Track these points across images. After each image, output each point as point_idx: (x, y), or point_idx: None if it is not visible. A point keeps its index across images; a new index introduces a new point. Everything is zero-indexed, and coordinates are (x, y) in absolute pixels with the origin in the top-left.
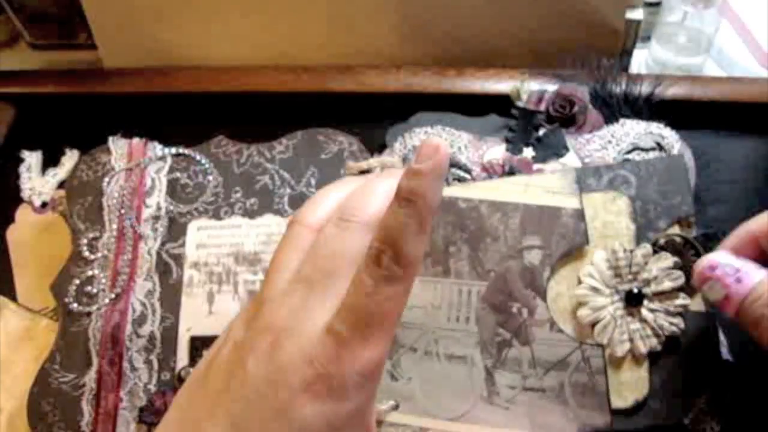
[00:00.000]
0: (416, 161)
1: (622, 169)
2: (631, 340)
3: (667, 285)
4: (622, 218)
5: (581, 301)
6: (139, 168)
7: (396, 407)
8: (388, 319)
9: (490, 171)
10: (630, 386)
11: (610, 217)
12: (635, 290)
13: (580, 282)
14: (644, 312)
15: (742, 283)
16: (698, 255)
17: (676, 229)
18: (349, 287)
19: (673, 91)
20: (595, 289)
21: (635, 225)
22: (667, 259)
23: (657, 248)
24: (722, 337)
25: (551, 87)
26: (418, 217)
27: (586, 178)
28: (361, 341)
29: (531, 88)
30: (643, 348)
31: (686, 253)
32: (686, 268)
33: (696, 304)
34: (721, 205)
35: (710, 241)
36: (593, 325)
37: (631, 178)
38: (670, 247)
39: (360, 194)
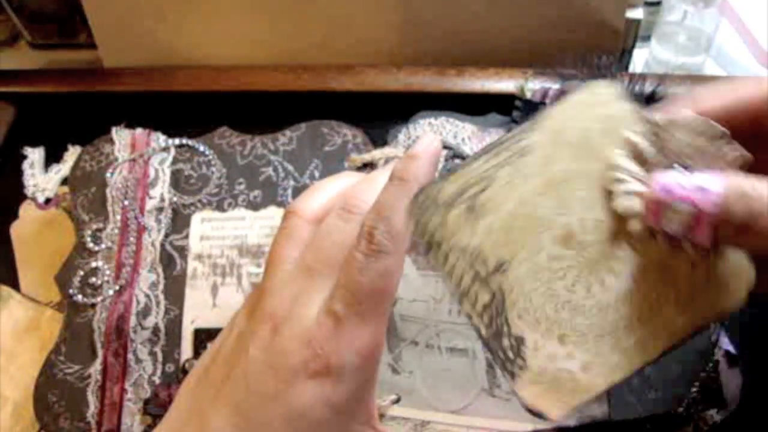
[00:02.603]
0: (413, 149)
1: None
2: None
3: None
4: (615, 105)
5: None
6: (142, 159)
7: (398, 401)
8: (381, 296)
9: None
10: None
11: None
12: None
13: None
14: None
15: (709, 191)
16: None
17: None
18: (342, 267)
19: (673, 91)
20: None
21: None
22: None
23: None
24: (724, 329)
25: (555, 85)
26: (409, 195)
27: None
28: (356, 319)
29: (535, 86)
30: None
31: None
32: None
33: None
34: None
35: None
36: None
37: None
38: None
39: (364, 187)
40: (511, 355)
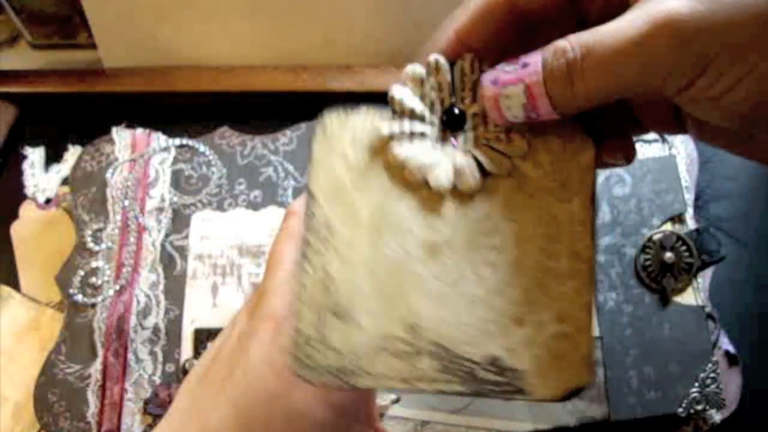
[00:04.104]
0: None
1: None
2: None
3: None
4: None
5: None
6: (143, 159)
7: (398, 401)
8: None
9: None
10: None
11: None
12: (456, 110)
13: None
14: (462, 140)
15: (529, 63)
16: (690, 250)
17: (668, 226)
18: None
19: None
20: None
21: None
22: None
23: (651, 243)
24: (724, 330)
25: None
26: None
27: None
28: None
29: None
30: (471, 181)
31: (678, 248)
32: (678, 262)
33: (687, 298)
34: (722, 201)
35: (701, 236)
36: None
37: (626, 176)
38: (663, 242)
39: None
40: None
